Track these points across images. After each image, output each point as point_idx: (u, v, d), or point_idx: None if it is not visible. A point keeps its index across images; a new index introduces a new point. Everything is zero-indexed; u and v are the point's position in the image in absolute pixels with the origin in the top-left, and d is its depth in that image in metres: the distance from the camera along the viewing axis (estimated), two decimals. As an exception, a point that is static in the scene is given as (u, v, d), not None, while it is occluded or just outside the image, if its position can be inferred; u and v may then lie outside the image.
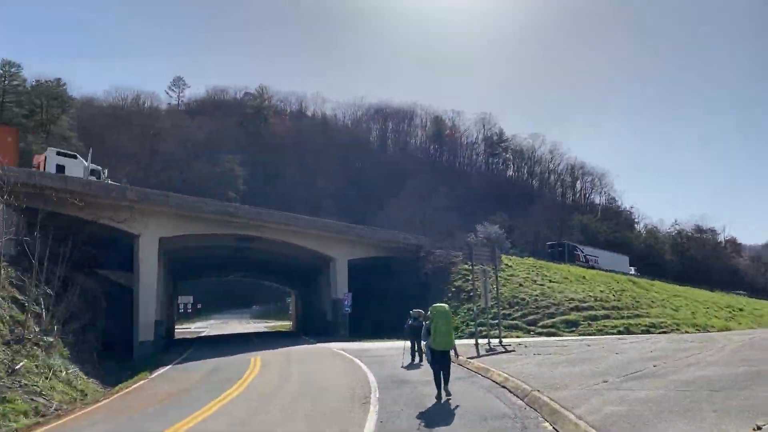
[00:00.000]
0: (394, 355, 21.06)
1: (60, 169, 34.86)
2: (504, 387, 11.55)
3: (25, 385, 18.14)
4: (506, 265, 41.36)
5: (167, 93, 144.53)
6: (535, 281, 39.01)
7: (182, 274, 55.44)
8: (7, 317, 21.65)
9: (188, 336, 54.86)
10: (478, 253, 20.97)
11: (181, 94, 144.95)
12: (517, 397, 10.37)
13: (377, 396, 11.64)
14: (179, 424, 10.26)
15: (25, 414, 16.04)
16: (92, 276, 33.60)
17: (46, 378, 19.54)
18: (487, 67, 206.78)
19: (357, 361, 19.37)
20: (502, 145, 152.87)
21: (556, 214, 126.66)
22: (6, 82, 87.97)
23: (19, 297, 23.65)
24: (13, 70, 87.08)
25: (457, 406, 10.02)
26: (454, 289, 38.58)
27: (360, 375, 15.25)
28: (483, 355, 17.23)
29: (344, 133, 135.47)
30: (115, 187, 33.63)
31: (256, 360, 23.33)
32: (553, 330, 31.80)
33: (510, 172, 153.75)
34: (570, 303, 34.85)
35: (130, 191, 32.89)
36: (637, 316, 34.92)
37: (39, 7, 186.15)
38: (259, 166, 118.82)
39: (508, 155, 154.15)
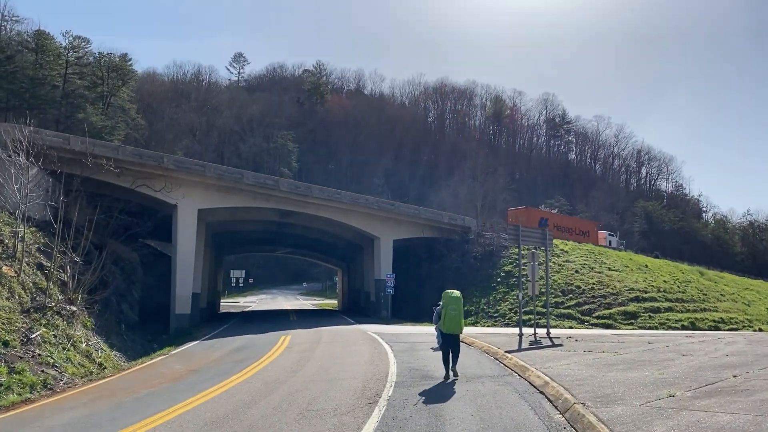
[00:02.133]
0: (427, 342, 19.45)
1: None
2: (542, 393, 9.47)
3: (39, 355, 17.25)
4: (561, 250, 38.81)
5: (228, 69, 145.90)
6: (592, 268, 36.52)
7: (226, 248, 55.00)
8: (30, 284, 20.87)
9: (233, 310, 54.51)
10: (527, 235, 18.73)
11: (241, 71, 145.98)
12: (557, 409, 8.30)
13: (389, 394, 9.82)
14: (149, 420, 8.74)
15: (32, 386, 15.07)
16: (130, 245, 32.96)
17: (64, 349, 18.65)
18: (550, 46, 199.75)
19: (386, 347, 17.62)
20: (565, 127, 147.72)
21: (619, 200, 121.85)
22: (69, 54, 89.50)
23: (46, 264, 22.93)
24: (82, 44, 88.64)
25: (480, 417, 8.05)
26: (503, 274, 36.43)
27: (382, 365, 13.47)
28: (525, 349, 15.11)
29: (401, 111, 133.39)
30: (152, 155, 32.77)
31: (285, 339, 21.99)
32: (609, 322, 29.58)
33: (572, 156, 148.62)
34: (630, 293, 32.33)
35: (167, 159, 31.95)
36: (704, 310, 32.02)
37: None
38: (313, 144, 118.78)
39: (570, 138, 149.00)
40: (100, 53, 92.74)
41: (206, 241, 39.62)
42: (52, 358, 17.51)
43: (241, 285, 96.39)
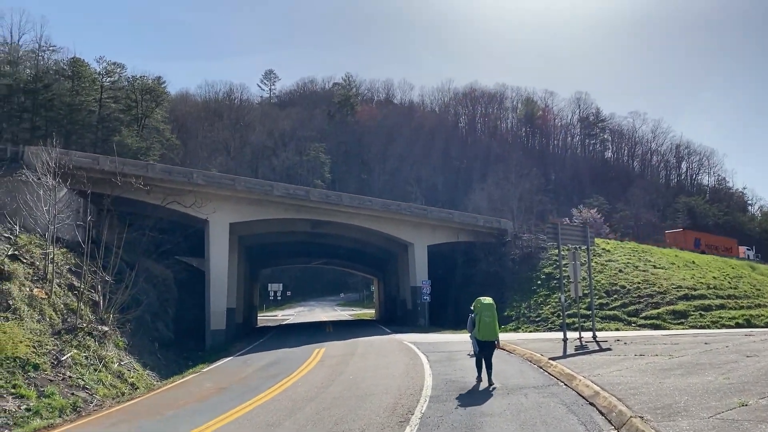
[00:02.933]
0: (466, 351, 18.48)
1: None
2: (592, 405, 8.52)
3: (69, 378, 16.96)
4: (603, 249, 37.39)
5: (259, 86, 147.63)
6: (636, 267, 35.05)
7: (260, 262, 54.83)
8: (61, 305, 20.68)
9: (271, 324, 54.25)
10: (567, 234, 17.69)
11: (272, 87, 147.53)
12: (611, 424, 7.35)
13: (423, 411, 9.01)
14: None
15: (62, 410, 14.73)
16: (163, 262, 32.85)
17: (95, 370, 18.35)
18: (580, 44, 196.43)
19: (422, 357, 16.77)
20: (599, 125, 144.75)
21: (660, 196, 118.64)
22: (104, 79, 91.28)
23: (77, 284, 22.78)
24: (117, 70, 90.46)
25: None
26: (543, 277, 35.21)
27: (417, 377, 12.64)
28: (570, 355, 14.08)
29: (431, 118, 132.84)
30: (181, 171, 32.66)
31: (319, 352, 21.34)
32: (657, 322, 28.20)
33: (608, 154, 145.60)
34: (678, 291, 30.82)
35: (197, 175, 31.77)
36: (760, 306, 30.29)
37: (139, 11, 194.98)
38: (346, 155, 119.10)
39: (605, 136, 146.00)
40: (133, 77, 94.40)
41: (240, 256, 39.40)
42: (82, 380, 17.19)
43: (278, 298, 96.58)
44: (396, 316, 45.98)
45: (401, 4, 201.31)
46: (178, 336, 32.19)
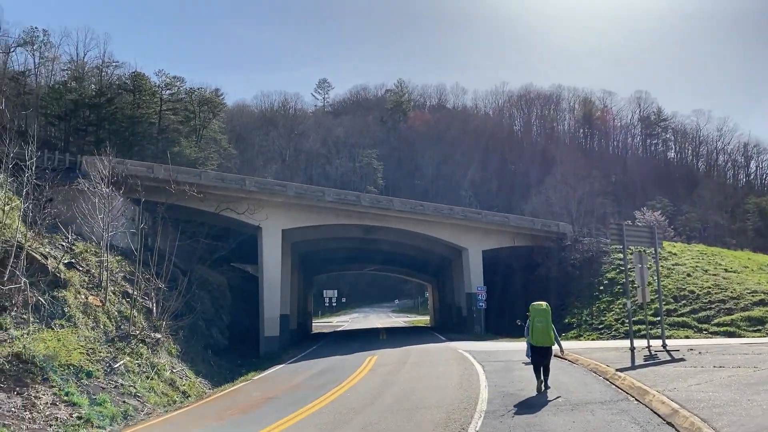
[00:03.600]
0: (524, 360, 17.52)
1: None
2: (671, 425, 7.52)
3: (121, 385, 16.90)
4: (669, 252, 35.44)
5: (313, 95, 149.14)
6: (706, 271, 32.99)
7: (314, 268, 54.80)
8: (115, 313, 20.80)
9: (325, 330, 54.13)
10: (632, 235, 16.50)
11: (326, 96, 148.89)
12: (697, 449, 6.43)
13: (477, 429, 8.22)
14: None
15: (113, 418, 14.61)
16: (217, 269, 33.06)
17: (147, 377, 18.28)
18: (639, 42, 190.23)
19: (477, 367, 15.91)
20: (661, 124, 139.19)
21: (728, 197, 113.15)
22: (164, 92, 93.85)
23: (131, 291, 22.94)
24: (176, 83, 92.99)
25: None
26: (606, 282, 33.60)
27: (471, 389, 11.83)
28: (639, 366, 12.96)
29: (485, 122, 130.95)
30: (234, 178, 32.79)
31: (371, 361, 20.74)
32: (731, 329, 26.29)
33: (671, 154, 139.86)
34: (753, 296, 28.67)
35: (249, 182, 31.82)
36: None
37: (196, 26, 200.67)
38: (398, 161, 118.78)
39: (668, 135, 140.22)
40: (191, 89, 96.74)
41: (293, 262, 39.32)
42: (134, 387, 17.11)
43: (333, 304, 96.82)
44: (451, 323, 45.01)
45: (453, 8, 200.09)
46: (233, 342, 32.25)
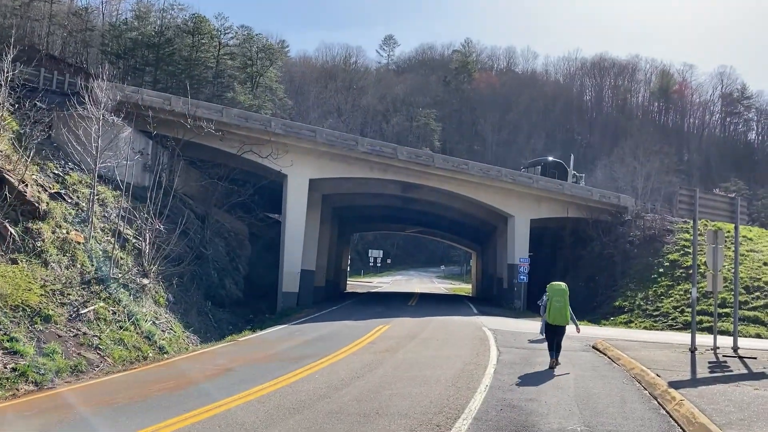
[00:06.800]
0: (532, 337, 15.99)
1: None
2: None
3: (83, 334, 14.69)
4: (744, 237, 31.07)
5: (378, 52, 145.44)
6: None
7: (350, 225, 52.20)
8: (99, 252, 18.60)
9: (359, 290, 51.86)
10: (707, 206, 12.87)
11: (390, 53, 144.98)
12: None
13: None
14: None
15: (58, 372, 12.42)
16: (238, 215, 30.64)
17: (121, 328, 16.06)
18: (726, 12, 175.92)
19: (492, 355, 12.88)
20: (744, 102, 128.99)
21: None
22: (222, 36, 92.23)
23: (125, 231, 20.79)
24: (236, 28, 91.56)
25: None
26: (666, 264, 29.73)
27: (463, 393, 8.75)
28: (703, 379, 9.54)
29: (554, 89, 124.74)
30: (259, 117, 30.18)
31: (378, 331, 18.06)
32: None
33: (752, 135, 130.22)
34: (843, 295, 24.58)
35: (275, 123, 29.11)
36: None
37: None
38: (459, 123, 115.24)
39: (750, 115, 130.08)
40: (249, 34, 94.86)
41: (324, 216, 36.78)
42: (99, 338, 14.92)
43: (378, 265, 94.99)
44: (491, 295, 41.88)
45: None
46: (250, 295, 30.15)
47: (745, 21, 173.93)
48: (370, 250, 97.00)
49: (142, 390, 9.71)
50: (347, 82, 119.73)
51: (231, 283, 28.48)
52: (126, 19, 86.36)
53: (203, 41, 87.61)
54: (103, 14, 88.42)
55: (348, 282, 59.65)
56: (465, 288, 65.75)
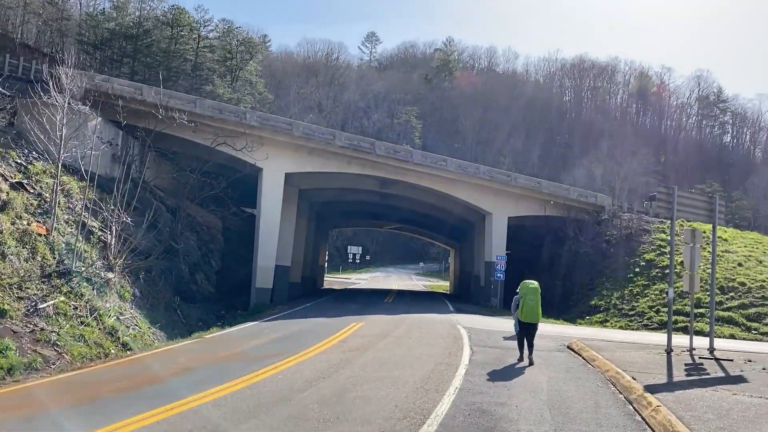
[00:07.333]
0: (505, 334, 15.95)
1: None
2: None
3: (41, 330, 14.06)
4: (719, 237, 31.12)
5: (360, 48, 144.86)
6: (760, 262, 29.22)
7: (328, 221, 51.57)
8: (62, 245, 17.87)
9: (337, 287, 51.30)
10: (685, 204, 12.63)
11: (372, 50, 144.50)
12: None
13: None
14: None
15: (10, 370, 11.80)
16: (211, 209, 29.87)
17: (82, 323, 15.41)
18: (705, 17, 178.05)
19: (465, 354, 12.56)
20: (720, 105, 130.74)
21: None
22: (202, 28, 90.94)
23: (91, 223, 20.05)
24: (216, 21, 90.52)
25: None
26: (643, 264, 29.73)
27: (431, 396, 8.36)
28: (680, 383, 9.23)
29: (534, 89, 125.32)
30: (233, 109, 29.52)
31: (351, 328, 17.60)
32: None
33: (727, 138, 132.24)
34: (817, 296, 24.74)
35: (250, 115, 28.48)
36: None
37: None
38: (440, 121, 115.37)
39: (726, 118, 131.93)
40: (229, 27, 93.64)
41: (301, 211, 36.19)
42: (57, 334, 14.26)
43: (357, 261, 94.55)
44: (469, 293, 41.68)
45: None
46: (223, 291, 29.48)
47: (721, 26, 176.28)
48: (349, 247, 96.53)
49: (93, 390, 9.17)
50: (329, 77, 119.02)
51: (203, 278, 27.81)
52: (104, 9, 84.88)
53: (182, 33, 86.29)
54: (81, 4, 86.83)
55: (326, 278, 59.04)
56: (443, 285, 65.53)
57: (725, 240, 32.08)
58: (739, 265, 28.56)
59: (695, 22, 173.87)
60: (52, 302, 15.30)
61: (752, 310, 24.62)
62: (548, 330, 16.87)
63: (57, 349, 13.90)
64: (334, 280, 62.12)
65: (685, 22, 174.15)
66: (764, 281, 26.54)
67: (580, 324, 25.71)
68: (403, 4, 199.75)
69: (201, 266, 27.89)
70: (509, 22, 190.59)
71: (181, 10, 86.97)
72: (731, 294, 26.00)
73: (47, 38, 71.30)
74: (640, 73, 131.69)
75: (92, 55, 77.86)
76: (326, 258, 63.46)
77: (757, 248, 31.59)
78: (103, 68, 75.90)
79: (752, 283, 26.44)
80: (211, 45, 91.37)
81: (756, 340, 21.84)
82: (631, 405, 7.88)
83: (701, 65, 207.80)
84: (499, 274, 31.52)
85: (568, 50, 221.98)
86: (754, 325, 23.75)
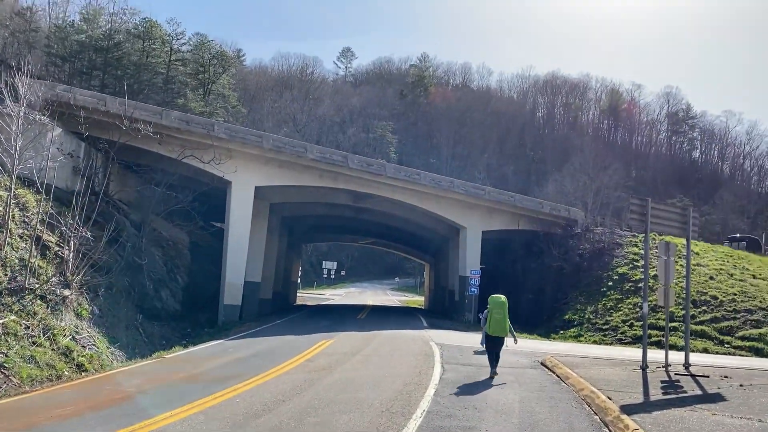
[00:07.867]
0: (476, 348, 15.64)
1: None
2: None
3: (-12, 351, 13.24)
4: (690, 251, 31.21)
5: (335, 63, 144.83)
6: (731, 275, 29.18)
7: (301, 236, 50.82)
8: (15, 261, 17.00)
9: (310, 303, 50.48)
10: (659, 217, 12.38)
11: (348, 65, 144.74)
12: None
13: None
14: None
15: (-56, 396, 10.96)
16: (178, 224, 29.04)
17: (34, 343, 14.58)
18: (674, 36, 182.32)
19: (436, 372, 12.12)
20: (689, 122, 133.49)
21: (751, 203, 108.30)
22: (174, 42, 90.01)
23: (47, 237, 19.17)
24: (188, 35, 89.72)
25: None
26: (616, 277, 29.61)
27: (409, 407, 7.93)
28: (656, 403, 8.84)
29: (508, 105, 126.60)
30: (201, 121, 28.84)
31: (320, 346, 16.98)
32: (759, 345, 23.19)
33: (696, 154, 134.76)
34: (786, 308, 24.83)
35: (218, 127, 27.82)
36: None
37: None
38: (415, 136, 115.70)
39: (694, 134, 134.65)
40: (201, 41, 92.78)
41: (272, 225, 35.50)
42: (5, 355, 13.42)
43: (332, 277, 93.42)
44: (443, 308, 41.26)
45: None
46: (190, 308, 28.58)
47: (690, 44, 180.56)
48: (324, 262, 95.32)
49: (30, 418, 8.45)
50: (303, 92, 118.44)
51: (168, 294, 26.93)
52: (73, 21, 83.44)
53: (154, 46, 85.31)
54: (50, 16, 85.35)
55: (299, 294, 58.10)
56: (418, 300, 65.02)
57: (697, 254, 32.18)
58: (711, 278, 28.63)
59: (665, 40, 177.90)
60: (0, 321, 14.47)
61: (724, 324, 24.62)
62: (521, 345, 16.51)
63: (4, 371, 13.08)
64: (307, 296, 61.19)
65: (655, 41, 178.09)
66: (735, 295, 26.58)
67: (554, 339, 25.38)
68: (379, 20, 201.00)
69: (166, 282, 27.01)
70: (483, 39, 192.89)
71: (153, 23, 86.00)
72: (703, 307, 25.98)
73: (14, 50, 69.76)
74: (611, 89, 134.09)
75: (60, 67, 76.45)
76: (299, 273, 62.52)
77: (727, 261, 31.71)
78: (72, 80, 74.44)
79: (724, 297, 26.48)
80: (183, 58, 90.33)
81: (729, 353, 21.77)
82: (607, 428, 7.46)
83: (671, 82, 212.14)
84: (473, 289, 31.16)
85: (541, 67, 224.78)
86: (727, 338, 23.72)
